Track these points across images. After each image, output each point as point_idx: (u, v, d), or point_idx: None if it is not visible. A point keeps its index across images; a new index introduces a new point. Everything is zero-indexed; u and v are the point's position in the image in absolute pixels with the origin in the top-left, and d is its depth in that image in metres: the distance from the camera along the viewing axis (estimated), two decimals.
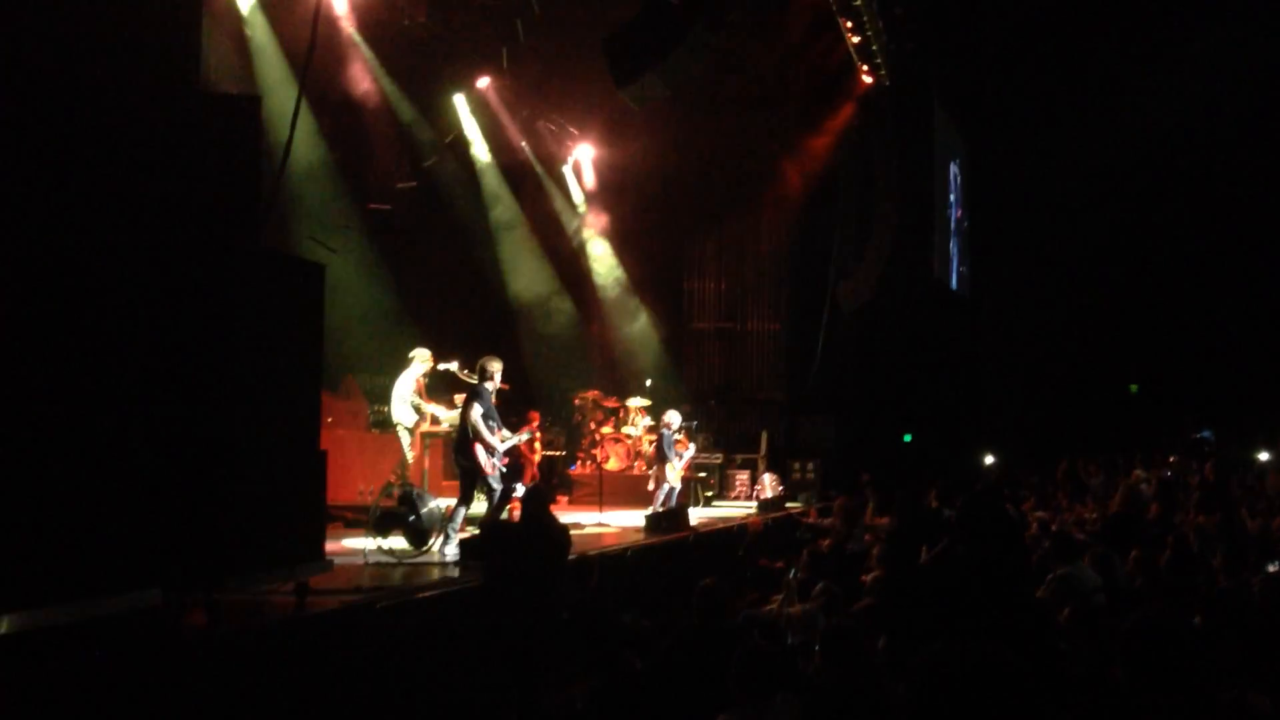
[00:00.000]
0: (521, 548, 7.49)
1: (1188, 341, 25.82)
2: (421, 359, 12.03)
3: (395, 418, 11.98)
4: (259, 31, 12.58)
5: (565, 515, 14.21)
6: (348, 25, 13.80)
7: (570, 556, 7.90)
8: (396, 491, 9.96)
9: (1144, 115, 25.05)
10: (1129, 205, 26.44)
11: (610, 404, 17.69)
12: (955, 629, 4.08)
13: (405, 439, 11.92)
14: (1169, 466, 16.84)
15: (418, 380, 11.99)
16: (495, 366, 10.23)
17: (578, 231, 20.00)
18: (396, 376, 12.12)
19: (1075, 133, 26.26)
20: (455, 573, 8.63)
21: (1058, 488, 17.44)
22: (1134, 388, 27.81)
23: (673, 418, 14.76)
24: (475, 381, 10.28)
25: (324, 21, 12.31)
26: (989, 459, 24.46)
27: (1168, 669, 3.32)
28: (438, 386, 12.70)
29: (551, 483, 14.79)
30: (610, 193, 20.20)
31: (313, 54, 9.34)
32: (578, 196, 19.87)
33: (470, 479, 9.87)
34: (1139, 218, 26.40)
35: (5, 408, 5.61)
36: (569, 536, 7.90)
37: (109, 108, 6.26)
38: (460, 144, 16.81)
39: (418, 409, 11.93)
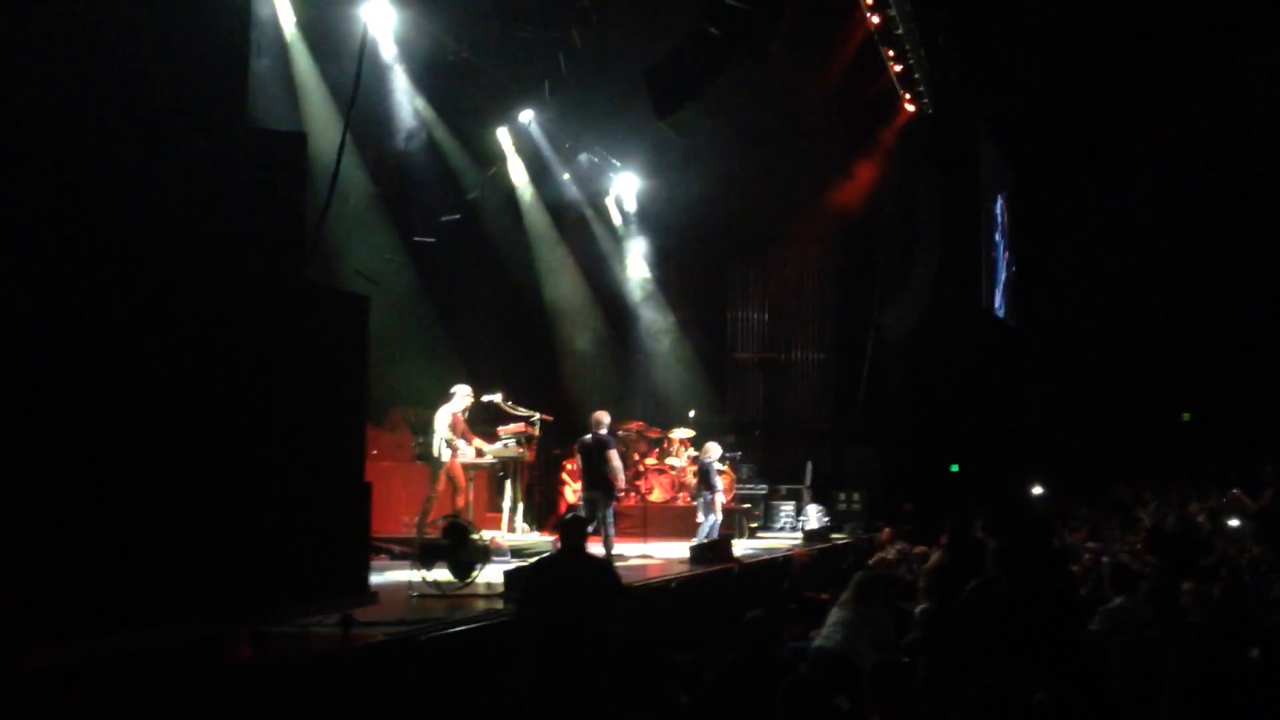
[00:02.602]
0: (562, 579, 7.38)
1: (1241, 368, 25.40)
2: (462, 394, 12.10)
3: (433, 451, 12.04)
4: (304, 68, 12.74)
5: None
6: (392, 61, 13.95)
7: (618, 590, 7.74)
8: (442, 523, 9.98)
9: (1194, 138, 24.81)
10: (1179, 230, 26.13)
11: (653, 435, 17.65)
12: (1004, 661, 4.01)
13: (439, 472, 11.95)
14: (1230, 499, 16.44)
15: (454, 415, 12.03)
16: (608, 418, 12.55)
17: (620, 263, 20.02)
18: (440, 409, 12.18)
19: (1123, 157, 26.04)
20: (500, 605, 8.60)
21: (1109, 517, 17.18)
22: (1186, 416, 27.38)
23: (715, 448, 14.72)
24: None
25: (368, 57, 12.46)
26: (1037, 489, 24.15)
27: (1222, 703, 3.24)
28: (479, 419, 12.74)
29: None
30: (653, 223, 20.23)
31: (358, 90, 9.46)
32: (620, 228, 19.92)
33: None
34: (1190, 242, 26.09)
35: (52, 439, 5.68)
36: (612, 569, 7.79)
37: (157, 144, 6.36)
38: (503, 177, 16.91)
39: (449, 444, 11.96)
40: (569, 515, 7.79)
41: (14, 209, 5.56)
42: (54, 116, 5.81)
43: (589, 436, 12.46)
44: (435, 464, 11.96)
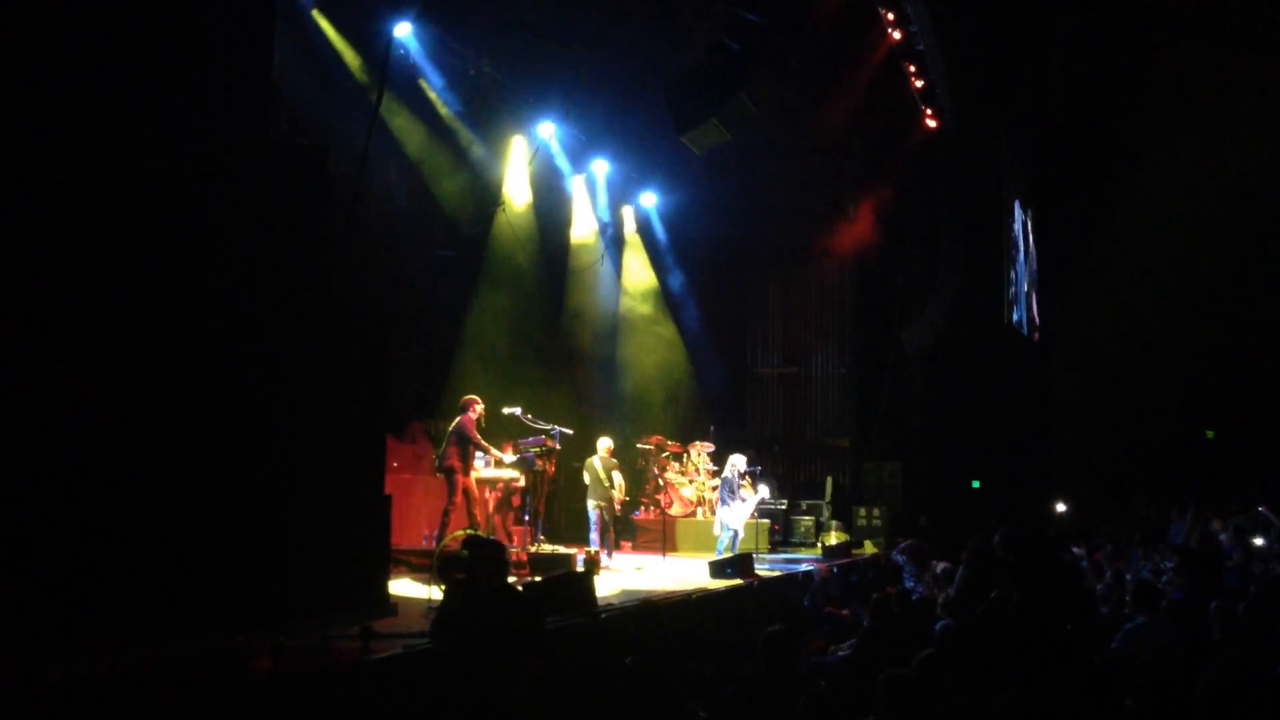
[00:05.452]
0: (479, 611, 6.33)
1: (1265, 386, 25.18)
2: (474, 406, 12.14)
3: (446, 461, 12.04)
4: (329, 77, 12.81)
5: (629, 559, 14.23)
6: (415, 74, 14.04)
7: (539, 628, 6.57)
8: (461, 536, 9.98)
9: (1221, 150, 24.71)
10: (1205, 245, 25.93)
11: (674, 449, 17.63)
12: (1020, 676, 3.98)
13: (455, 485, 11.98)
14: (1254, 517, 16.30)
15: (471, 427, 12.04)
16: (604, 442, 14.19)
17: (639, 276, 20.03)
18: (454, 422, 12.21)
19: (1149, 170, 25.93)
20: None
21: (1131, 535, 17.06)
22: (1210, 433, 27.14)
23: (737, 461, 14.70)
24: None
25: (391, 72, 12.55)
26: (1060, 506, 23.99)
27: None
28: (500, 431, 12.76)
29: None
30: (673, 237, 20.26)
31: (380, 102, 9.50)
32: (640, 242, 19.93)
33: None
34: (1216, 257, 25.88)
35: (76, 453, 5.71)
36: (538, 605, 6.92)
37: (180, 157, 6.40)
38: (524, 190, 16.94)
39: (484, 452, 12.05)
40: (488, 539, 7.05)
41: (33, 220, 5.61)
42: (79, 130, 5.85)
43: (596, 460, 13.97)
44: (451, 477, 11.98)
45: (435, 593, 9.29)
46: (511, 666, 6.02)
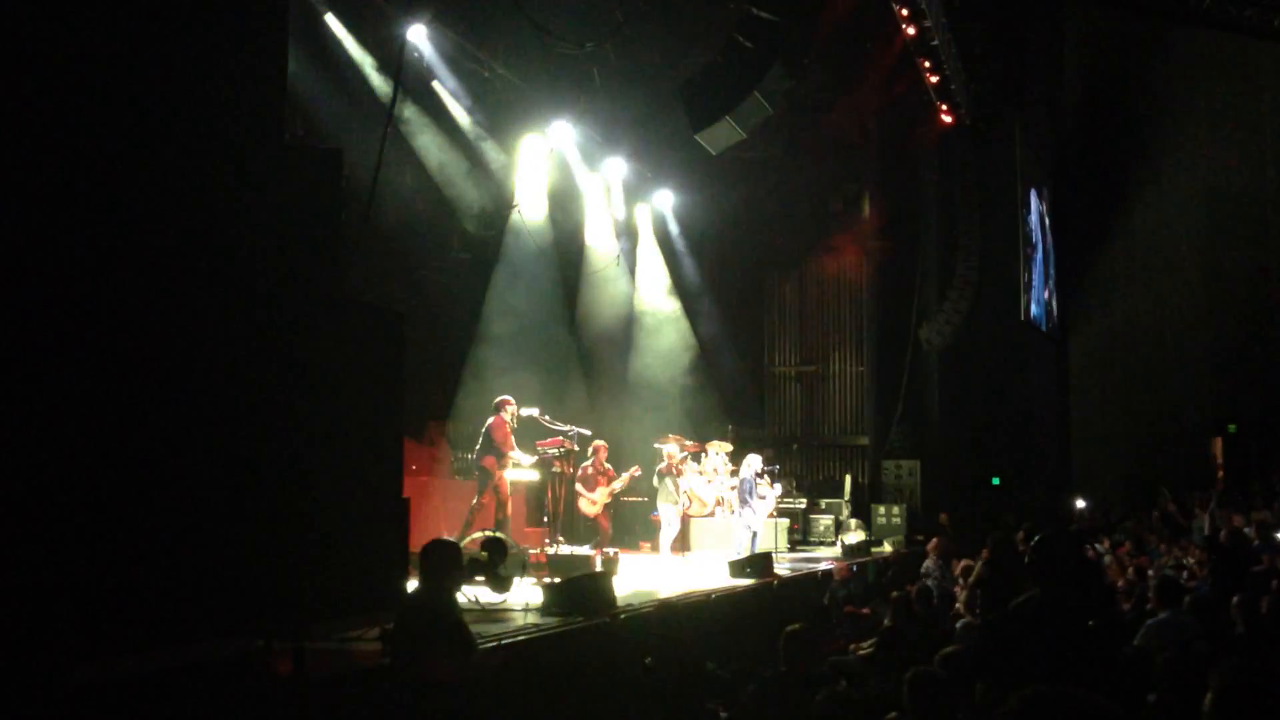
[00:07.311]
0: (420, 621, 6.11)
1: None
2: (508, 406, 12.14)
3: (478, 461, 12.05)
4: (345, 81, 12.84)
5: (648, 559, 14.23)
6: (430, 77, 14.07)
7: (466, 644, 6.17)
8: (480, 537, 9.99)
9: (1239, 140, 24.56)
10: (1226, 237, 25.76)
11: (692, 448, 17.59)
12: (1044, 675, 3.95)
13: (485, 484, 11.98)
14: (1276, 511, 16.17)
15: (505, 427, 12.04)
16: (669, 448, 14.91)
17: (656, 276, 20.02)
18: (478, 424, 12.20)
19: (1166, 160, 25.80)
20: (537, 618, 8.60)
21: (1151, 530, 16.96)
22: (1232, 428, 26.94)
23: (754, 461, 14.69)
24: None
25: (406, 74, 12.56)
26: (1080, 503, 23.88)
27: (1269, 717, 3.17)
28: (517, 433, 12.77)
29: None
30: (688, 236, 20.24)
31: (395, 105, 9.50)
32: (655, 241, 19.90)
33: None
34: (1235, 249, 25.70)
35: (96, 456, 5.73)
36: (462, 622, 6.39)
37: (196, 160, 6.42)
38: (539, 191, 16.93)
39: (500, 455, 12.04)
40: (443, 541, 6.63)
41: (49, 225, 5.63)
42: (93, 135, 5.87)
43: (664, 465, 14.61)
44: (483, 476, 11.97)
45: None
46: (425, 680, 5.84)
